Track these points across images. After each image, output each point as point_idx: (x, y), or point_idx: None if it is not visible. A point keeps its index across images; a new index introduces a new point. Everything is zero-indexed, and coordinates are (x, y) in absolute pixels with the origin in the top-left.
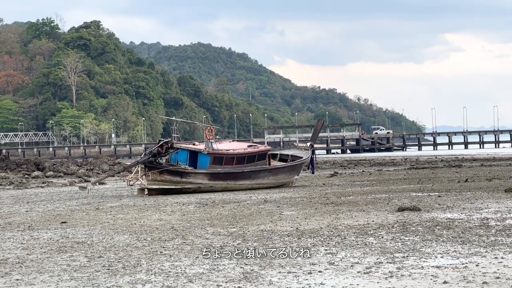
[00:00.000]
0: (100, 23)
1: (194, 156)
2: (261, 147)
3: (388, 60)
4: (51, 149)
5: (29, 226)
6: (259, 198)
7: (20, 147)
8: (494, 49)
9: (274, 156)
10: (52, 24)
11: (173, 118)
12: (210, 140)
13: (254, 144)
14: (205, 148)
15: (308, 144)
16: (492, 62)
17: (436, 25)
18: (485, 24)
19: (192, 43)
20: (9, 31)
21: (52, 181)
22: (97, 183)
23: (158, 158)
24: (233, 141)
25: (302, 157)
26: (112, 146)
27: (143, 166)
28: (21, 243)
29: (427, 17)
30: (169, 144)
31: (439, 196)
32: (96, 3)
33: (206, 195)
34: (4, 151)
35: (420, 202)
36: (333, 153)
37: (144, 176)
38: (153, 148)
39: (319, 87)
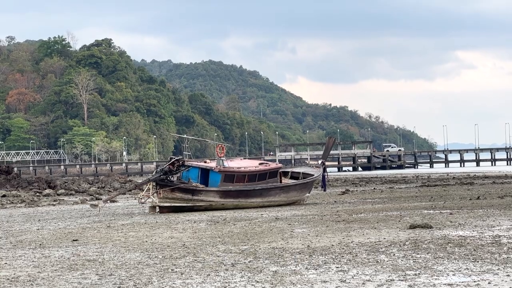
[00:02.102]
0: (111, 41)
1: (205, 173)
2: (272, 165)
3: (399, 78)
4: (62, 167)
5: (40, 244)
6: (271, 216)
7: (31, 165)
8: (505, 66)
9: (285, 174)
10: (63, 42)
11: (184, 136)
12: (221, 158)
13: (265, 162)
14: (217, 166)
15: (320, 161)
16: (504, 79)
17: (447, 42)
18: (496, 41)
19: (203, 60)
20: (21, 49)
21: (63, 199)
22: (108, 201)
23: (170, 176)
24: (244, 158)
25: (313, 175)
26: (124, 164)
27: (154, 184)
28: (32, 261)
29: (439, 35)
30: (181, 162)
31: (451, 214)
32: (107, 21)
33: (218, 212)
34: (15, 169)
35: (431, 219)
36: (345, 171)
37: (155, 194)
38: (165, 166)
39: (330, 104)
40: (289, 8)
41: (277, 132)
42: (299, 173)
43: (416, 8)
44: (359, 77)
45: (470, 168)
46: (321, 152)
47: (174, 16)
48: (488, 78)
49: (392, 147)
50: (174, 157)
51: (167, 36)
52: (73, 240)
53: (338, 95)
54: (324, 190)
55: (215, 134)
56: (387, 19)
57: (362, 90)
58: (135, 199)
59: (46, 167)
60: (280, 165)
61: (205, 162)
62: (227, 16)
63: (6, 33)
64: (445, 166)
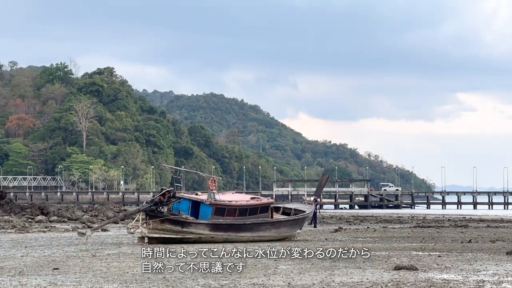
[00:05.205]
0: (114, 70)
1: (196, 206)
2: (264, 200)
3: (400, 118)
4: (59, 193)
5: (20, 272)
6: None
7: (28, 190)
8: (506, 110)
9: (277, 209)
10: (65, 69)
11: (182, 167)
12: (213, 191)
13: (257, 197)
14: (208, 199)
15: (312, 198)
16: (504, 123)
17: (448, 84)
18: (497, 84)
19: (204, 93)
20: (23, 74)
21: (55, 226)
22: (98, 230)
23: (160, 207)
24: (236, 192)
25: (305, 211)
26: (120, 193)
27: (144, 214)
28: None
29: (440, 76)
30: (171, 193)
31: (439, 256)
32: (110, 50)
33: (206, 245)
34: (12, 194)
35: (419, 261)
36: (341, 208)
37: (145, 224)
38: (155, 197)
39: (330, 141)
40: (291, 44)
41: (275, 167)
42: (291, 209)
43: (418, 49)
44: (359, 115)
45: (467, 210)
46: None
47: (177, 47)
48: (488, 121)
49: (390, 187)
50: (165, 188)
51: (169, 67)
52: (54, 268)
53: (338, 132)
54: (314, 227)
55: (213, 167)
56: (389, 58)
57: (363, 129)
58: (126, 228)
59: (43, 193)
60: (271, 200)
61: (197, 194)
62: (230, 49)
63: (8, 58)
64: (442, 208)
